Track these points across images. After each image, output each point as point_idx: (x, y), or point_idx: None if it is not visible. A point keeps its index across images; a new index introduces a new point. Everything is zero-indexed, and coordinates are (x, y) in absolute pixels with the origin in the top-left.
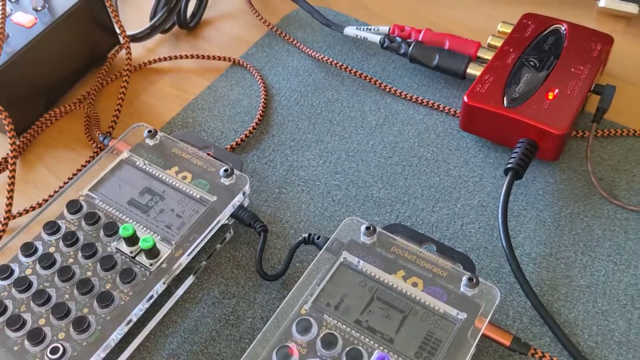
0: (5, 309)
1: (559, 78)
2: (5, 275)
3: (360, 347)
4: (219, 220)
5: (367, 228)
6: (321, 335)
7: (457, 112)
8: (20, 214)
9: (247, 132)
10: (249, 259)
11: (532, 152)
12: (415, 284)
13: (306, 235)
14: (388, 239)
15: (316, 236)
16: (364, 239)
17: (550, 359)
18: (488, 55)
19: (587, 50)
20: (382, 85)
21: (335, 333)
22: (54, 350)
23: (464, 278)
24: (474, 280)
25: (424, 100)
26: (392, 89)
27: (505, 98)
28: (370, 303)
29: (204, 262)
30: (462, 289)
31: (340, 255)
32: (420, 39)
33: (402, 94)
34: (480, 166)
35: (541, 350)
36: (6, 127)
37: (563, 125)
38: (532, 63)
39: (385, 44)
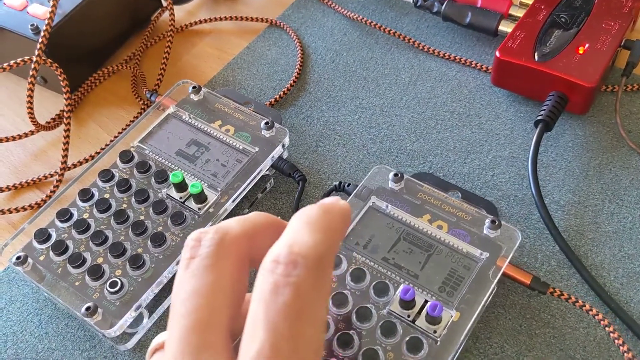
0: (67, 248)
1: (589, 33)
2: (65, 218)
3: (386, 281)
4: (261, 170)
5: (395, 175)
6: (350, 270)
7: (489, 68)
8: (75, 165)
9: (285, 89)
10: (289, 207)
11: (562, 105)
12: (440, 227)
13: (337, 183)
14: (415, 186)
15: (346, 183)
16: (392, 185)
17: (569, 297)
18: (519, 13)
19: (617, 7)
20: (415, 43)
21: (364, 268)
22: (113, 284)
23: (487, 221)
24: (496, 223)
25: (456, 58)
26: (425, 47)
27: (536, 53)
28: (397, 243)
29: (247, 210)
30: (484, 231)
31: (369, 200)
32: None
33: (435, 51)
34: (511, 120)
35: (560, 289)
36: (61, 82)
37: (593, 78)
38: (563, 19)
39: (419, 3)
